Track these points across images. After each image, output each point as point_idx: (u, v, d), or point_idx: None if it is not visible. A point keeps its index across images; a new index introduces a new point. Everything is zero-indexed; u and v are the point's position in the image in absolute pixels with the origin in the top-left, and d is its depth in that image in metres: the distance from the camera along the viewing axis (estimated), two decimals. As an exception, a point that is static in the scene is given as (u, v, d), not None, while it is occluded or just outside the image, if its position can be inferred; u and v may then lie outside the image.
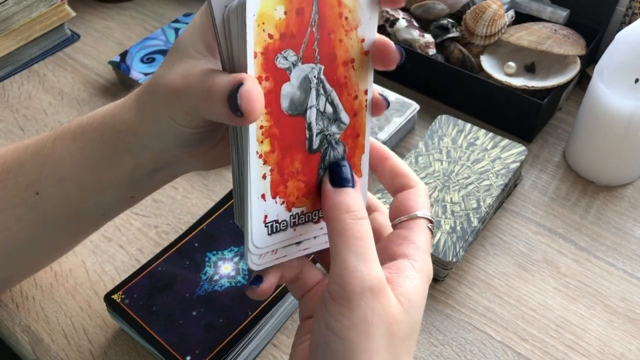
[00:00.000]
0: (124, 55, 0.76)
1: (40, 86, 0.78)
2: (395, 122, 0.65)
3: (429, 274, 0.33)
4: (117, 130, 0.37)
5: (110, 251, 0.58)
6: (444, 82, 0.71)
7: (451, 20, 0.72)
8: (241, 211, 0.34)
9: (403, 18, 0.72)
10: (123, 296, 0.50)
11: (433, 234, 0.35)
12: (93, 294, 0.55)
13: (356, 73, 0.33)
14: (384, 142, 0.64)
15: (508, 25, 0.71)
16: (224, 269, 0.52)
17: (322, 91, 0.32)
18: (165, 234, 0.59)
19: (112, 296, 0.50)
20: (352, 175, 0.33)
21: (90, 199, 0.40)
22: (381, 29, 0.73)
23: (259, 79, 0.29)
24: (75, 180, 0.39)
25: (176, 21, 0.82)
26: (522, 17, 0.73)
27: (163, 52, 0.77)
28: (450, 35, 0.71)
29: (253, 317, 0.48)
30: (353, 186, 0.33)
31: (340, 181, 0.33)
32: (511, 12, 0.72)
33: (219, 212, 0.56)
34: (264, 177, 0.32)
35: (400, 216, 0.35)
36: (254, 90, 0.28)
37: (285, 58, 0.30)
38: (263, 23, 0.29)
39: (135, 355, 0.50)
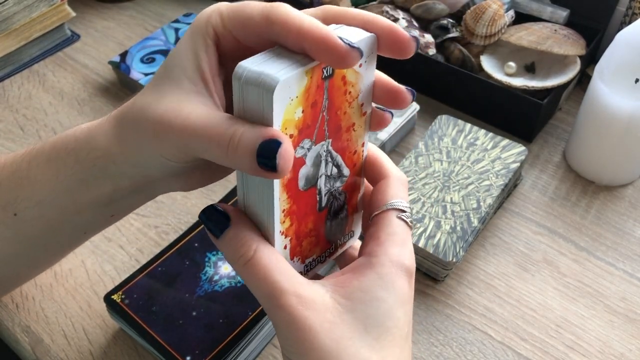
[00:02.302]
0: (124, 55, 0.76)
1: (40, 86, 0.78)
2: (395, 122, 0.65)
3: (399, 265, 0.32)
4: (92, 157, 0.35)
5: (110, 251, 0.58)
6: (444, 82, 0.71)
7: (451, 20, 0.72)
8: None
9: (403, 18, 0.71)
10: (123, 296, 0.50)
11: (409, 223, 0.34)
12: (93, 294, 0.55)
13: (356, 133, 0.33)
14: (384, 142, 0.64)
15: (508, 25, 0.71)
16: (224, 269, 0.52)
17: (329, 159, 0.33)
18: (165, 234, 0.59)
19: (112, 296, 0.50)
20: (223, 223, 0.32)
21: (69, 219, 0.39)
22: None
23: None
24: (52, 203, 0.38)
25: (176, 21, 0.82)
26: (522, 17, 0.73)
27: (163, 52, 0.77)
28: (450, 35, 0.71)
29: (253, 317, 0.48)
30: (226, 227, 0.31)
31: (214, 230, 0.32)
32: (511, 12, 0.72)
33: (219, 212, 0.56)
34: (285, 247, 0.33)
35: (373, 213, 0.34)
36: (290, 150, 0.27)
37: (302, 147, 0.30)
38: (286, 128, 0.29)
39: (135, 356, 0.50)
